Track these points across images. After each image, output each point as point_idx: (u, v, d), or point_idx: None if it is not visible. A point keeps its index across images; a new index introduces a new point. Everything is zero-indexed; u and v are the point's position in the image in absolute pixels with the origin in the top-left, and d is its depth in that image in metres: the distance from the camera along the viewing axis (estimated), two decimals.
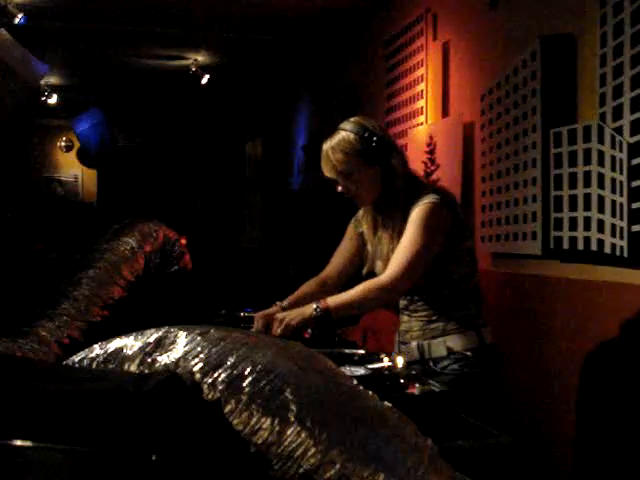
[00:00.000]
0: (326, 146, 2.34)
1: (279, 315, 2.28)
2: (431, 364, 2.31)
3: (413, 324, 2.38)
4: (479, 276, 2.41)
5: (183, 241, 3.28)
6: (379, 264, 2.40)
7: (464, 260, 2.31)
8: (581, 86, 2.92)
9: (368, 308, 2.37)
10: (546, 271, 3.16)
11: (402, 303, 2.44)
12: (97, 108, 9.10)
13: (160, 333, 1.38)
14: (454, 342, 2.28)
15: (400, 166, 2.31)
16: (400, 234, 2.26)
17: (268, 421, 1.20)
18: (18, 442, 1.13)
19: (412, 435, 1.28)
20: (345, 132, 2.33)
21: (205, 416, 1.23)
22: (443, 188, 2.41)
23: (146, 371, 1.33)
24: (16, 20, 5.02)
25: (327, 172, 2.36)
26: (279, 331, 2.22)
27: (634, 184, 2.55)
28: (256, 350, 1.29)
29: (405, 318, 2.43)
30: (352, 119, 2.39)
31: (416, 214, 2.20)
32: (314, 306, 2.19)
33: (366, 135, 2.29)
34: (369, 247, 2.47)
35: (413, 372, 2.45)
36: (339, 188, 2.36)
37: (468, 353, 2.27)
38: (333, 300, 2.21)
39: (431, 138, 4.36)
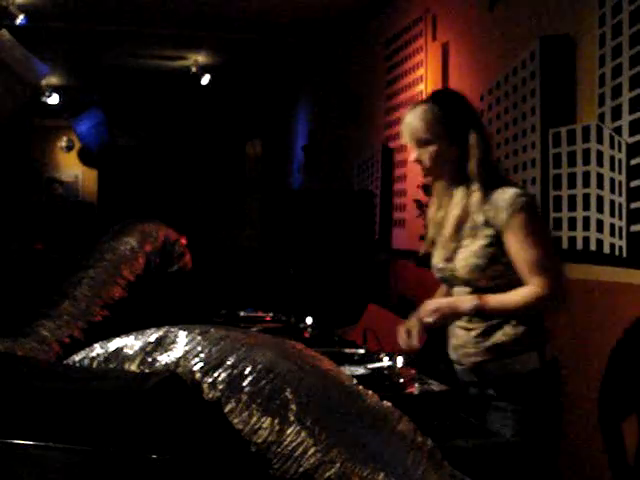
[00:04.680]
0: (409, 111, 2.19)
1: (432, 302, 2.14)
2: (489, 389, 2.12)
3: (467, 339, 2.15)
4: None
5: (183, 241, 3.28)
6: (439, 249, 2.23)
7: None
8: (580, 86, 2.92)
9: (520, 315, 2.10)
10: None
11: None
12: (97, 108, 9.10)
13: (160, 333, 1.38)
14: (514, 364, 2.08)
15: (479, 148, 2.12)
16: (462, 222, 2.11)
17: (268, 420, 1.20)
18: (18, 442, 1.13)
19: (412, 435, 1.28)
20: (434, 100, 2.19)
21: (205, 416, 1.24)
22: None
23: (146, 370, 1.33)
24: (17, 21, 5.03)
25: (405, 138, 2.20)
26: (430, 320, 2.08)
27: (633, 184, 2.55)
28: (256, 350, 1.30)
29: (459, 332, 2.19)
30: (444, 89, 2.29)
31: (517, 224, 2.02)
32: (472, 302, 2.05)
33: (451, 108, 2.16)
34: (430, 227, 2.29)
35: (413, 372, 2.45)
36: (412, 157, 2.20)
37: (531, 376, 2.07)
38: (493, 299, 2.05)
39: None
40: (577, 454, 2.85)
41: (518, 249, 2.02)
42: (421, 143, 2.15)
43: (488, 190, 2.08)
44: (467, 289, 2.14)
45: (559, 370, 2.14)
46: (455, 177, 2.16)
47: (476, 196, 2.09)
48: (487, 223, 2.07)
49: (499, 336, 2.09)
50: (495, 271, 2.07)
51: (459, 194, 2.15)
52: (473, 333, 2.13)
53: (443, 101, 2.17)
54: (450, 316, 2.11)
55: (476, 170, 2.10)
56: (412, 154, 2.19)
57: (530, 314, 2.08)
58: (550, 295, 2.00)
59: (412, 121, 2.16)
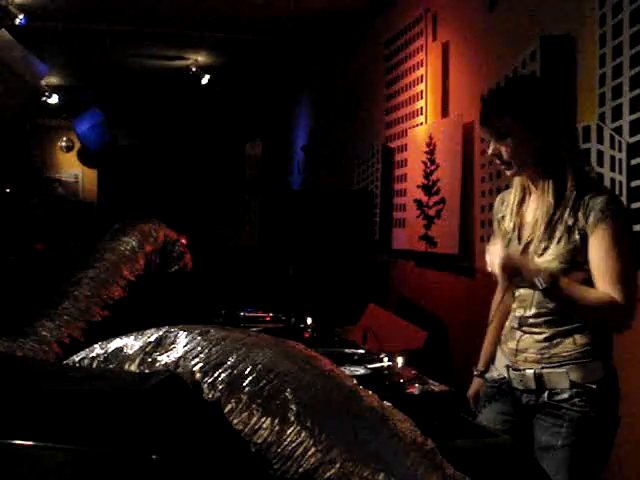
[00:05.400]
0: (484, 102, 2.03)
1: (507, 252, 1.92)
2: (546, 395, 1.96)
3: (529, 344, 1.99)
4: None
5: (183, 241, 3.28)
6: (513, 247, 2.05)
7: None
8: (580, 86, 2.92)
9: (586, 316, 1.95)
10: None
11: (517, 315, 2.05)
12: (97, 108, 9.11)
13: (160, 333, 1.38)
14: (578, 374, 1.92)
15: (568, 138, 1.96)
16: (551, 220, 1.93)
17: (268, 421, 1.20)
18: (18, 442, 1.13)
19: (412, 435, 1.28)
20: (512, 88, 2.04)
21: (205, 416, 1.23)
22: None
23: (146, 371, 1.33)
24: (17, 20, 5.03)
25: (481, 131, 2.05)
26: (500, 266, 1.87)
27: (633, 184, 2.55)
28: (256, 350, 1.30)
29: (519, 335, 2.03)
30: (521, 75, 2.11)
31: (606, 231, 1.88)
32: (545, 273, 1.87)
33: (532, 94, 1.98)
34: (507, 221, 2.11)
35: (413, 372, 2.45)
36: (489, 150, 2.03)
37: (593, 386, 1.92)
38: (566, 282, 1.89)
39: (431, 138, 4.37)
40: None
41: (602, 257, 1.88)
42: (499, 136, 1.97)
43: (581, 189, 1.92)
44: (541, 307, 1.98)
45: (617, 380, 2.00)
46: (539, 170, 1.98)
47: (570, 194, 1.92)
48: (576, 226, 1.91)
49: (568, 344, 1.94)
50: (575, 278, 1.91)
51: (550, 190, 1.95)
52: (538, 337, 1.97)
53: (521, 88, 2.02)
54: (517, 271, 1.89)
55: (569, 163, 1.92)
56: (490, 147, 2.01)
57: (594, 321, 1.94)
58: (626, 308, 1.87)
59: (487, 112, 1.99)
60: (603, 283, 1.88)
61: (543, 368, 1.96)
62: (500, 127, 1.96)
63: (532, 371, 1.97)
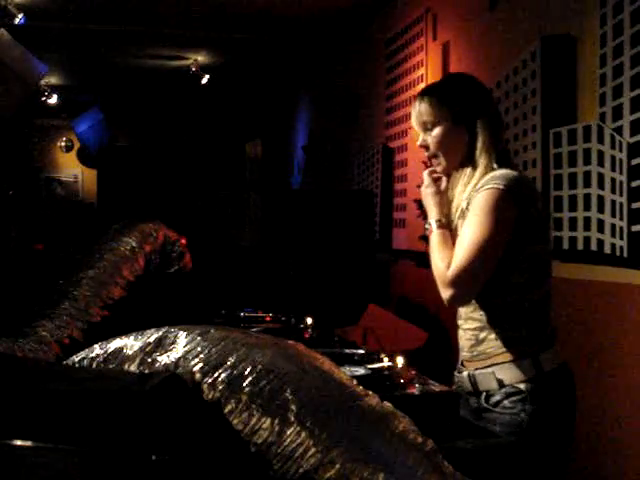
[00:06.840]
0: (418, 94, 2.06)
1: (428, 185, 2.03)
2: (482, 398, 1.92)
3: (463, 342, 1.98)
4: (544, 293, 1.91)
5: (183, 241, 3.28)
6: None
7: (523, 266, 1.87)
8: (581, 86, 2.92)
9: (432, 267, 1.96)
10: None
11: (458, 311, 2.03)
12: (97, 108, 9.11)
13: (160, 333, 1.38)
14: (504, 373, 1.87)
15: (485, 132, 1.94)
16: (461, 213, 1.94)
17: (268, 421, 1.20)
18: (18, 442, 1.13)
19: (412, 435, 1.28)
20: (443, 83, 2.09)
21: (205, 416, 1.23)
22: (521, 174, 1.98)
23: (146, 371, 1.33)
24: (16, 20, 5.02)
25: (413, 122, 2.06)
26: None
27: (634, 184, 2.55)
28: (256, 350, 1.29)
29: (459, 332, 2.02)
30: (456, 73, 2.16)
31: (477, 201, 1.84)
32: (433, 217, 1.96)
33: (460, 89, 2.01)
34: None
35: (413, 372, 2.45)
36: (417, 142, 2.05)
37: (521, 386, 1.84)
38: (442, 237, 1.93)
39: None
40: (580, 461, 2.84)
41: (467, 224, 1.85)
42: (426, 127, 2.00)
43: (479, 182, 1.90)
44: None
45: (567, 381, 1.94)
46: (466, 163, 1.97)
47: (474, 182, 1.91)
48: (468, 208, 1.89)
49: (490, 341, 1.90)
50: (497, 274, 1.85)
51: (461, 182, 1.96)
52: (467, 335, 1.96)
53: (450, 83, 2.06)
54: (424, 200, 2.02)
55: (480, 156, 1.93)
56: (419, 139, 2.03)
57: (441, 290, 1.90)
58: (450, 281, 1.85)
59: (417, 104, 2.02)
60: (457, 247, 1.86)
61: (476, 369, 1.93)
62: (427, 118, 1.99)
63: (467, 373, 1.96)
